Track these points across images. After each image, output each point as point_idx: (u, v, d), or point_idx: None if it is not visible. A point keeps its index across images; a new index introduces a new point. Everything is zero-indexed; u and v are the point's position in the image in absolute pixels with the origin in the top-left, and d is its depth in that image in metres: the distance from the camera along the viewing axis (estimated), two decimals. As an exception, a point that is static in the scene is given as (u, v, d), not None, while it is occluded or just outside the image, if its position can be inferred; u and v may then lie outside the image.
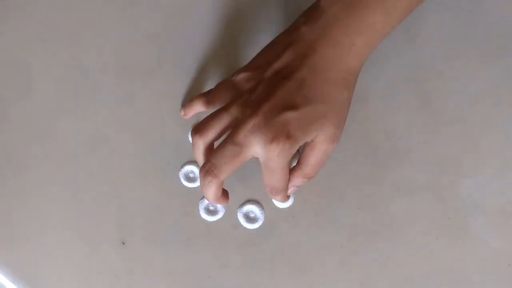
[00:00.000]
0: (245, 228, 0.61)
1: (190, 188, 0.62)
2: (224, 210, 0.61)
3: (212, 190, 0.54)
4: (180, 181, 0.62)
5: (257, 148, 0.51)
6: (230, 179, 0.61)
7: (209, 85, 0.62)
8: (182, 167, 0.62)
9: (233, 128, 0.52)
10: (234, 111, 0.53)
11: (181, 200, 0.62)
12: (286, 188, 0.55)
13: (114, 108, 0.62)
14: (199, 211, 0.62)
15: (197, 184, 0.62)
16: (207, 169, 0.53)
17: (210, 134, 0.54)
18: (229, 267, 0.61)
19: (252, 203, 0.61)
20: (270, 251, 0.61)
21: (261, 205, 0.61)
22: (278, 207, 0.61)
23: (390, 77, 0.61)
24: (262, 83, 0.53)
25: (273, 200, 0.61)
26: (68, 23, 0.63)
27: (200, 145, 0.54)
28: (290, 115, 0.51)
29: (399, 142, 0.60)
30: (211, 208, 0.61)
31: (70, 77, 0.63)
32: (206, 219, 0.61)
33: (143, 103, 0.62)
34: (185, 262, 0.61)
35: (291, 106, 0.51)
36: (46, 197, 0.62)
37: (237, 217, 0.61)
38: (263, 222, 0.61)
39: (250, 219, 0.61)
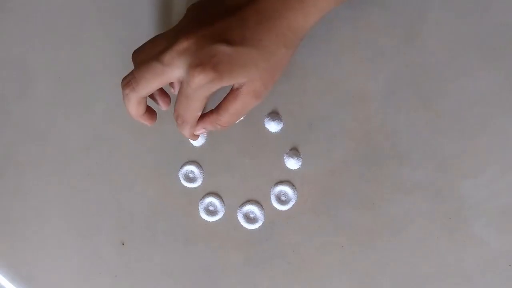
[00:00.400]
0: (245, 228, 0.61)
1: (190, 188, 0.62)
2: (224, 211, 0.61)
3: (130, 104, 0.53)
4: (180, 181, 0.62)
5: (181, 70, 0.50)
6: (230, 179, 0.61)
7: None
8: (182, 167, 0.62)
9: (164, 48, 0.51)
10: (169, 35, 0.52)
11: (181, 200, 0.62)
12: (194, 123, 0.54)
13: (114, 108, 0.62)
14: (199, 211, 0.62)
15: (197, 184, 0.62)
16: (127, 81, 0.52)
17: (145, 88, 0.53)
18: (229, 267, 0.61)
19: (252, 203, 0.61)
20: (270, 251, 0.61)
21: (261, 206, 0.61)
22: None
23: (390, 77, 0.61)
24: (203, 11, 0.53)
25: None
26: (68, 23, 0.63)
27: (132, 97, 0.54)
28: (223, 48, 0.49)
29: (399, 142, 0.60)
30: (211, 208, 0.61)
31: (70, 77, 0.63)
32: (206, 219, 0.61)
33: (143, 103, 0.62)
34: (185, 262, 0.61)
35: (226, 40, 0.50)
36: (46, 197, 0.62)
37: (237, 217, 0.61)
38: (263, 222, 0.61)
39: (250, 219, 0.61)
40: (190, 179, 0.62)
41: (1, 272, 0.62)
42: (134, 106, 0.54)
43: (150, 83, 0.51)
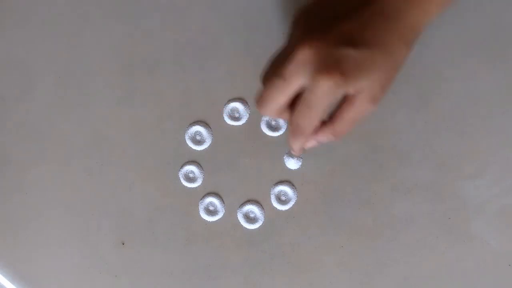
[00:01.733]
0: (245, 228, 0.61)
1: (190, 188, 0.62)
2: (224, 211, 0.61)
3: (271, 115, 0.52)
4: (180, 181, 0.62)
5: (304, 80, 0.48)
6: (230, 179, 0.61)
7: (209, 84, 0.62)
8: (182, 167, 0.62)
9: (285, 63, 0.49)
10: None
11: (181, 200, 0.62)
12: (309, 134, 0.51)
13: (114, 108, 0.62)
14: (199, 211, 0.62)
15: (197, 184, 0.62)
16: (256, 101, 0.51)
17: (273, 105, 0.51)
18: (229, 267, 0.61)
19: (252, 203, 0.61)
20: (270, 251, 0.61)
21: (261, 205, 0.61)
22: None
23: (390, 77, 0.60)
24: (314, 18, 0.50)
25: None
26: (68, 23, 0.63)
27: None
28: (348, 51, 0.47)
29: (399, 142, 0.60)
30: (211, 208, 0.61)
31: (70, 77, 0.62)
32: (206, 219, 0.61)
33: (143, 102, 0.62)
34: (185, 262, 0.61)
35: (351, 44, 0.48)
36: (46, 197, 0.62)
37: (237, 217, 0.61)
38: (263, 222, 0.61)
39: (250, 219, 0.61)
40: (190, 179, 0.62)
41: (1, 272, 0.62)
42: (276, 116, 0.52)
43: (275, 100, 0.50)
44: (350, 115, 0.50)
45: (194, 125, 0.62)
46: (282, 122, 0.61)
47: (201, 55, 0.62)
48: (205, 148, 0.62)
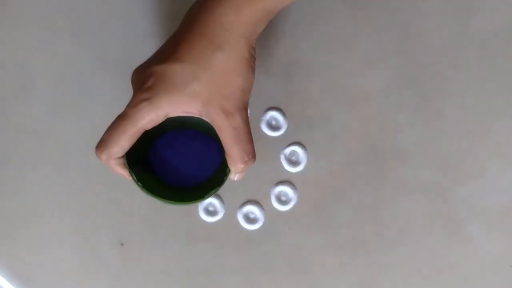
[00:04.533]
0: (245, 228, 0.61)
1: (190, 188, 0.62)
2: (224, 211, 0.61)
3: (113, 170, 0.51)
4: (180, 181, 0.62)
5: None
6: (230, 179, 0.61)
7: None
8: (182, 167, 0.62)
9: None
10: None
11: (181, 200, 0.62)
12: (118, 153, 0.49)
13: (114, 108, 0.62)
14: (198, 211, 0.61)
15: (197, 184, 0.62)
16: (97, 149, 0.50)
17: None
18: (229, 267, 0.61)
19: (252, 204, 0.61)
20: (270, 251, 0.61)
21: (261, 206, 0.61)
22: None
23: (390, 77, 0.61)
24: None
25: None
26: (68, 23, 0.63)
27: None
28: (157, 67, 0.47)
29: (399, 142, 0.60)
30: (211, 208, 0.61)
31: (70, 77, 0.62)
32: (206, 219, 0.61)
33: (143, 103, 0.62)
34: (185, 262, 0.61)
35: (160, 60, 0.47)
36: (46, 197, 0.62)
37: (237, 218, 0.61)
38: (263, 222, 0.61)
39: (250, 219, 0.61)
40: (190, 179, 0.62)
41: (1, 272, 0.62)
42: (116, 171, 0.52)
43: (117, 138, 0.49)
44: (225, 139, 0.48)
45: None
46: (282, 122, 0.61)
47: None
48: (205, 148, 0.62)
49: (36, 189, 0.62)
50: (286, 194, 0.61)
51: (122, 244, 0.62)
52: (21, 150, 0.63)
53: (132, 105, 0.48)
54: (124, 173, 0.51)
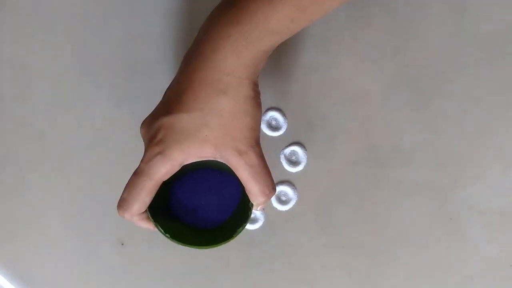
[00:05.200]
0: (245, 229, 0.61)
1: (190, 188, 0.62)
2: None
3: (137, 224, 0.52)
4: (180, 181, 0.62)
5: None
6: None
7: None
8: (182, 167, 0.62)
9: None
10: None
11: (181, 200, 0.62)
12: (138, 211, 0.50)
13: (114, 108, 0.62)
14: (199, 211, 0.62)
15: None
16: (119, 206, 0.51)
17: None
18: (229, 267, 0.61)
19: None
20: (270, 251, 0.61)
21: (261, 206, 0.61)
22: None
23: (390, 77, 0.61)
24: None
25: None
26: (68, 23, 0.63)
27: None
28: (165, 120, 0.48)
29: (399, 142, 0.60)
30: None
31: (69, 77, 0.62)
32: (206, 219, 0.61)
33: (143, 103, 0.62)
34: (185, 262, 0.61)
35: (166, 112, 0.48)
36: (46, 197, 0.62)
37: (237, 218, 0.61)
38: (263, 222, 0.61)
39: (250, 219, 0.61)
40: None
41: (1, 272, 0.62)
42: (139, 225, 0.52)
43: (138, 197, 0.50)
44: (243, 178, 0.49)
45: (194, 125, 0.61)
46: (282, 122, 0.61)
47: (201, 55, 0.62)
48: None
49: (36, 189, 0.62)
50: (286, 194, 0.61)
51: (123, 244, 0.62)
52: (21, 150, 0.63)
53: (146, 161, 0.48)
54: (149, 226, 0.52)
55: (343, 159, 0.61)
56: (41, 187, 0.62)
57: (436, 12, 0.60)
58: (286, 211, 0.61)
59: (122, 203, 0.50)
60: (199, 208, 0.53)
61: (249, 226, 0.61)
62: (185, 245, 0.51)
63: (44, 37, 0.63)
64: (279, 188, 0.61)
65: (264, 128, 0.61)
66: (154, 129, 0.48)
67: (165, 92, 0.50)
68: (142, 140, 0.62)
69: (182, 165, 0.48)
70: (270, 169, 0.61)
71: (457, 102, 0.60)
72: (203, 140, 0.47)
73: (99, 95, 0.62)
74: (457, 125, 0.60)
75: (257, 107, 0.49)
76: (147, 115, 0.61)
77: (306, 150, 0.61)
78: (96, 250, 0.62)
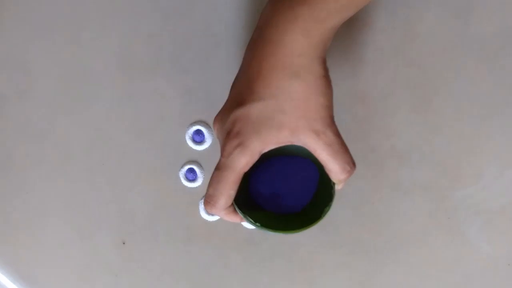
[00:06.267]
0: (245, 228, 0.61)
1: (190, 188, 0.62)
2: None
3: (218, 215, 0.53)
4: (180, 181, 0.62)
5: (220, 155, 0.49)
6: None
7: (209, 84, 0.62)
8: (182, 167, 0.62)
9: None
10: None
11: (181, 200, 0.62)
12: (224, 205, 0.50)
13: (114, 108, 0.62)
14: (199, 210, 0.62)
15: (197, 184, 0.62)
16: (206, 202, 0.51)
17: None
18: (229, 267, 0.61)
19: (252, 203, 0.61)
20: (270, 251, 0.61)
21: (261, 205, 0.61)
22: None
23: (390, 77, 0.61)
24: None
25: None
26: (68, 23, 0.63)
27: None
28: (239, 112, 0.48)
29: (399, 142, 0.60)
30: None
31: (70, 77, 0.62)
32: (206, 218, 0.62)
33: (143, 103, 0.62)
34: (185, 262, 0.61)
35: (239, 104, 0.48)
36: (46, 197, 0.62)
37: (237, 217, 0.61)
38: (263, 221, 0.61)
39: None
40: (190, 179, 0.62)
41: (2, 272, 0.62)
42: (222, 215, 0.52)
43: (222, 190, 0.50)
44: (321, 155, 0.48)
45: (194, 125, 0.62)
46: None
47: (201, 55, 0.62)
48: (205, 148, 0.62)
49: (37, 189, 0.62)
50: (286, 194, 0.61)
51: (124, 243, 0.62)
52: (21, 150, 0.63)
53: (227, 154, 0.48)
54: (236, 219, 0.52)
55: (343, 159, 0.61)
56: (42, 187, 0.62)
57: (436, 13, 0.60)
58: (286, 210, 0.61)
59: (209, 200, 0.50)
60: (279, 195, 0.53)
61: (248, 226, 0.61)
62: (276, 232, 0.50)
63: (44, 37, 0.63)
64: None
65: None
66: (230, 123, 0.48)
67: (232, 85, 0.50)
68: (142, 140, 0.62)
69: (261, 153, 0.48)
70: (270, 169, 0.61)
71: (456, 102, 0.60)
72: (280, 126, 0.47)
73: (99, 95, 0.62)
74: (456, 125, 0.60)
75: (329, 84, 0.48)
76: (147, 115, 0.62)
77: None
78: (97, 249, 0.62)
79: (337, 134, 0.49)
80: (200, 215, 0.62)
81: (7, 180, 0.62)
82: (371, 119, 0.61)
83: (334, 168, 0.49)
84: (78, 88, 0.62)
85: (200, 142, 0.62)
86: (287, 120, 0.47)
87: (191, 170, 0.62)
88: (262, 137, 0.47)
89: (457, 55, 0.60)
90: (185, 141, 0.62)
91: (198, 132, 0.61)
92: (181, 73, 0.62)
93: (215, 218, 0.61)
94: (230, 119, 0.48)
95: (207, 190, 0.50)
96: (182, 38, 0.62)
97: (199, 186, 0.62)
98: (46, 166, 0.62)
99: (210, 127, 0.62)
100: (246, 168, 0.49)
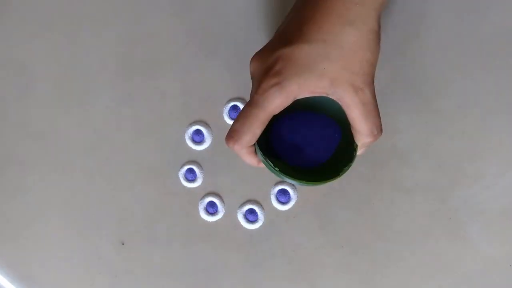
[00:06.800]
0: (245, 228, 0.61)
1: (190, 188, 0.62)
2: (224, 211, 0.61)
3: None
4: (180, 181, 0.62)
5: (252, 92, 0.47)
6: (230, 179, 0.61)
7: (209, 84, 0.62)
8: (182, 167, 0.62)
9: None
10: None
11: (181, 200, 0.62)
12: (248, 143, 0.48)
13: (114, 108, 0.62)
14: (199, 211, 0.62)
15: (197, 184, 0.62)
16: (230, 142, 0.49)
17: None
18: (229, 267, 0.61)
19: (252, 203, 0.61)
20: (270, 251, 0.61)
21: (261, 205, 0.61)
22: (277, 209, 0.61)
23: (389, 77, 0.61)
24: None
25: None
26: (68, 23, 0.63)
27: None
28: (283, 51, 0.46)
29: (399, 142, 0.60)
30: (211, 208, 0.61)
31: (70, 77, 0.63)
32: (206, 219, 0.61)
33: (143, 102, 0.62)
34: (185, 262, 0.61)
35: (285, 43, 0.46)
36: (46, 197, 0.62)
37: (237, 217, 0.61)
38: (263, 222, 0.61)
39: (250, 219, 0.61)
40: (190, 179, 0.62)
41: (1, 272, 0.62)
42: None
43: (248, 127, 0.49)
44: (353, 112, 0.47)
45: (194, 125, 0.62)
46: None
47: (201, 55, 0.62)
48: (205, 148, 0.62)
49: (37, 189, 0.62)
50: (286, 194, 0.61)
51: (123, 244, 0.62)
52: (21, 150, 0.63)
53: (262, 92, 0.47)
54: (254, 162, 0.51)
55: (343, 159, 0.61)
56: (42, 187, 0.62)
57: (436, 12, 0.60)
58: (286, 211, 0.61)
59: (233, 134, 0.48)
60: (299, 148, 0.52)
61: (249, 226, 0.61)
62: (293, 180, 0.50)
63: (44, 37, 0.63)
64: (279, 188, 0.61)
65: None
66: (271, 60, 0.46)
67: (278, 29, 0.49)
68: (141, 140, 0.62)
69: (295, 99, 0.47)
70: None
71: (457, 102, 0.60)
72: (322, 73, 0.45)
73: (99, 95, 0.62)
74: (457, 125, 0.60)
75: (379, 42, 0.47)
76: (147, 115, 0.62)
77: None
78: (96, 249, 0.62)
79: (374, 96, 0.48)
80: (200, 215, 0.61)
81: (7, 180, 0.62)
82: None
83: (362, 128, 0.48)
84: (78, 88, 0.62)
85: (199, 142, 0.62)
86: (330, 69, 0.45)
87: (190, 170, 0.61)
88: (302, 81, 0.46)
89: (457, 55, 0.60)
90: (185, 141, 0.62)
91: (198, 132, 0.61)
92: (181, 73, 0.62)
93: (215, 218, 0.61)
94: (273, 57, 0.46)
95: (233, 125, 0.49)
96: (182, 38, 0.62)
97: (198, 186, 0.62)
98: (46, 166, 0.62)
99: (209, 127, 0.62)
100: (277, 110, 0.47)
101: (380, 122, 0.49)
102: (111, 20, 0.63)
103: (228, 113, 0.61)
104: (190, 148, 0.62)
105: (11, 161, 0.63)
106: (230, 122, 0.61)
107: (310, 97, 0.48)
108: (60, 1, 0.63)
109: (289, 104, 0.47)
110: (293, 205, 0.61)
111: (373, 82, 0.48)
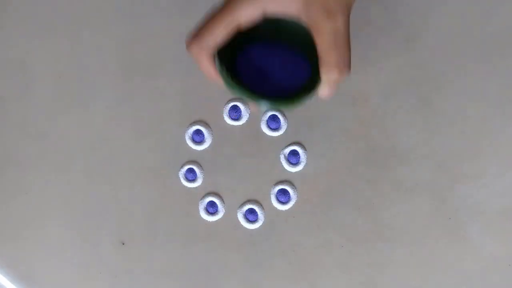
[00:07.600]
0: (245, 228, 0.61)
1: (190, 188, 0.62)
2: (224, 211, 0.61)
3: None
4: (180, 181, 0.62)
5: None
6: (230, 179, 0.61)
7: (209, 84, 0.62)
8: (182, 167, 0.62)
9: None
10: None
11: (181, 200, 0.62)
12: (211, 46, 0.46)
13: (114, 108, 0.62)
14: (199, 211, 0.62)
15: (197, 184, 0.62)
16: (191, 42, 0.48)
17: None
18: (229, 267, 0.61)
19: (252, 203, 0.61)
20: (270, 251, 0.61)
21: (261, 205, 0.61)
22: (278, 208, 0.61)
23: (390, 77, 0.61)
24: None
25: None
26: (68, 23, 0.63)
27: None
28: None
29: (399, 142, 0.60)
30: (211, 208, 0.61)
31: (70, 77, 0.63)
32: (206, 219, 0.61)
33: (143, 103, 0.62)
34: (185, 262, 0.61)
35: None
36: (46, 197, 0.62)
37: (237, 217, 0.61)
38: (263, 222, 0.61)
39: (250, 219, 0.61)
40: (190, 179, 0.62)
41: (1, 272, 0.62)
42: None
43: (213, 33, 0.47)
44: (322, 41, 0.45)
45: (194, 125, 0.62)
46: (282, 122, 0.61)
47: (201, 55, 0.62)
48: (205, 148, 0.62)
49: (37, 189, 0.62)
50: (286, 194, 0.61)
51: (123, 244, 0.62)
52: (21, 150, 0.63)
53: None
54: (212, 71, 0.48)
55: (343, 159, 0.61)
56: (42, 187, 0.62)
57: (436, 13, 0.60)
58: (286, 210, 0.61)
59: (194, 34, 0.47)
60: (266, 78, 0.51)
61: (249, 226, 0.61)
62: (246, 95, 0.48)
63: (44, 37, 0.63)
64: (279, 188, 0.61)
65: (264, 128, 0.61)
66: None
67: None
68: (141, 140, 0.62)
69: (264, 14, 0.45)
70: (269, 169, 0.61)
71: (457, 102, 0.60)
72: None
73: (99, 95, 0.62)
74: (457, 125, 0.60)
75: None
76: (147, 115, 0.62)
77: (306, 150, 0.61)
78: (96, 249, 0.62)
79: (347, 26, 0.46)
80: (200, 215, 0.61)
81: (7, 180, 0.62)
82: (371, 119, 0.61)
83: (328, 58, 0.46)
84: (78, 88, 0.62)
85: (199, 142, 0.62)
86: None
87: (190, 170, 0.61)
88: None
89: (458, 55, 0.60)
90: (185, 141, 0.62)
91: (198, 132, 0.61)
92: (181, 73, 0.62)
93: (215, 218, 0.61)
94: None
95: (196, 25, 0.47)
96: (182, 38, 0.62)
97: (198, 186, 0.62)
98: (46, 166, 0.62)
99: (209, 127, 0.62)
100: (244, 20, 0.46)
101: (349, 58, 0.47)
102: (111, 20, 0.63)
103: (228, 113, 0.62)
104: (190, 148, 0.62)
105: (11, 161, 0.63)
106: (230, 122, 0.61)
107: (283, 29, 0.47)
108: (60, 1, 0.63)
109: (256, 20, 0.46)
110: (293, 205, 0.61)
111: (348, 13, 0.46)
